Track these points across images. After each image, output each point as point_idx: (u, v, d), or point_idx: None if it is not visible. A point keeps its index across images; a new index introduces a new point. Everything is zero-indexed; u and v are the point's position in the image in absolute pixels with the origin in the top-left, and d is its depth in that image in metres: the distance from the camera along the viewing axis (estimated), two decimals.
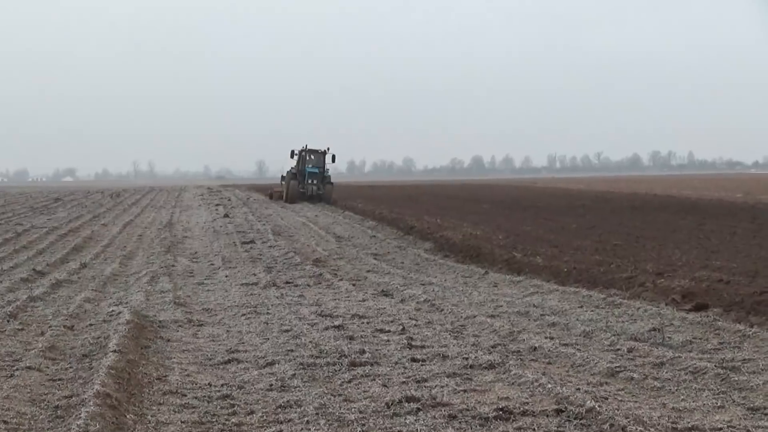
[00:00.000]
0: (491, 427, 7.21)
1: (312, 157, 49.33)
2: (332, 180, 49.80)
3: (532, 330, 11.53)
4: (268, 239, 26.23)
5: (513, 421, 7.30)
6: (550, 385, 8.13)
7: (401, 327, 11.71)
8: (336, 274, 18.30)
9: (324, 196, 47.56)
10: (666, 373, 8.90)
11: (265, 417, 7.57)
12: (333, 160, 49.50)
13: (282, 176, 52.59)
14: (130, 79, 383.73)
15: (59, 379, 8.81)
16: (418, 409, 7.60)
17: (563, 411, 7.38)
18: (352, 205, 43.47)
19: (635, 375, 8.75)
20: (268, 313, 13.23)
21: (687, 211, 36.82)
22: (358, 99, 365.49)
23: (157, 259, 21.03)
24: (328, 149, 49.23)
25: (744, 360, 9.44)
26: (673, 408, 7.64)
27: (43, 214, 40.95)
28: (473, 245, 22.28)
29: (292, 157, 49.27)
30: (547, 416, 7.35)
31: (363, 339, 10.96)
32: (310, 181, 48.33)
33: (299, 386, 8.52)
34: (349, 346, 10.34)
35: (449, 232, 25.70)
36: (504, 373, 8.90)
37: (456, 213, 36.50)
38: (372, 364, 9.48)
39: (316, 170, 48.70)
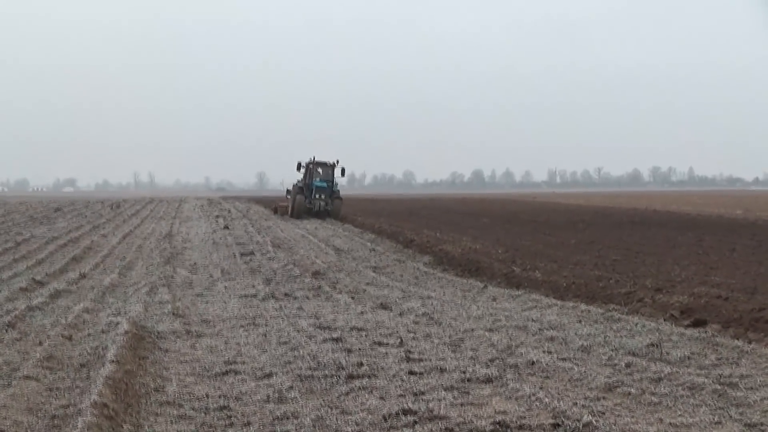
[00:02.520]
0: None
1: (320, 170, 46.70)
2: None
3: (530, 344, 11.53)
4: (267, 251, 26.25)
5: None
6: (547, 399, 8.13)
7: (399, 340, 11.72)
8: (335, 286, 18.31)
9: (332, 212, 45.15)
10: (663, 388, 8.90)
11: (261, 428, 7.56)
12: (342, 174, 46.71)
13: (287, 190, 49.74)
14: (131, 90, 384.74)
15: (57, 389, 8.81)
16: (415, 422, 7.60)
17: (560, 425, 7.38)
18: (352, 218, 43.47)
19: (633, 390, 8.75)
20: (266, 324, 13.24)
21: (687, 227, 36.83)
22: (358, 111, 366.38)
23: (156, 270, 21.02)
24: (338, 162, 46.57)
25: (742, 376, 9.45)
26: (670, 423, 7.64)
27: (43, 224, 40.99)
28: (472, 259, 22.30)
29: (298, 169, 46.50)
30: (544, 430, 7.35)
31: (361, 351, 10.96)
32: (317, 196, 45.55)
33: (296, 398, 8.53)
34: (347, 358, 10.34)
35: (448, 246, 25.72)
36: (501, 386, 8.90)
37: (455, 227, 36.53)
38: (370, 377, 9.48)
39: (325, 184, 46.06)
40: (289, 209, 46.80)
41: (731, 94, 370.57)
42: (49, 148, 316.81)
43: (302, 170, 46.66)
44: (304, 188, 46.03)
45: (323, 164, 46.81)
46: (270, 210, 52.40)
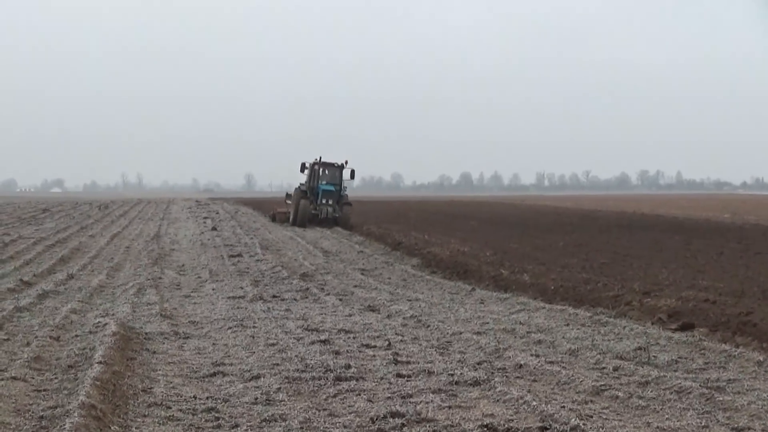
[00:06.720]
0: None
1: (326, 171, 41.12)
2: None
3: (518, 347, 11.55)
4: (255, 253, 26.22)
5: None
6: (534, 403, 8.15)
7: (387, 342, 11.72)
8: (323, 288, 18.29)
9: (341, 220, 39.60)
10: (651, 392, 8.93)
11: (249, 430, 7.56)
12: (352, 176, 40.92)
13: (287, 194, 44.09)
14: (119, 92, 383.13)
15: (44, 390, 8.78)
16: (403, 425, 7.61)
17: (547, 429, 7.40)
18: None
19: (620, 394, 8.78)
20: (254, 326, 13.21)
21: (674, 230, 36.97)
22: (346, 114, 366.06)
23: (144, 271, 20.97)
24: (346, 162, 41.10)
25: (729, 380, 9.49)
26: (657, 427, 7.66)
27: (30, 224, 40.81)
28: (460, 262, 22.31)
29: (302, 170, 40.70)
30: None
31: (349, 354, 10.96)
32: (324, 201, 39.99)
33: (284, 400, 8.53)
34: (334, 360, 10.34)
35: (437, 249, 25.71)
36: (489, 390, 8.91)
37: (444, 229, 36.51)
38: (357, 379, 9.48)
39: (332, 188, 40.55)
40: (291, 216, 40.91)
41: (719, 98, 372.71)
42: (37, 148, 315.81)
43: (306, 171, 40.95)
44: (308, 192, 40.31)
45: (330, 165, 41.36)
46: (267, 217, 46.83)
